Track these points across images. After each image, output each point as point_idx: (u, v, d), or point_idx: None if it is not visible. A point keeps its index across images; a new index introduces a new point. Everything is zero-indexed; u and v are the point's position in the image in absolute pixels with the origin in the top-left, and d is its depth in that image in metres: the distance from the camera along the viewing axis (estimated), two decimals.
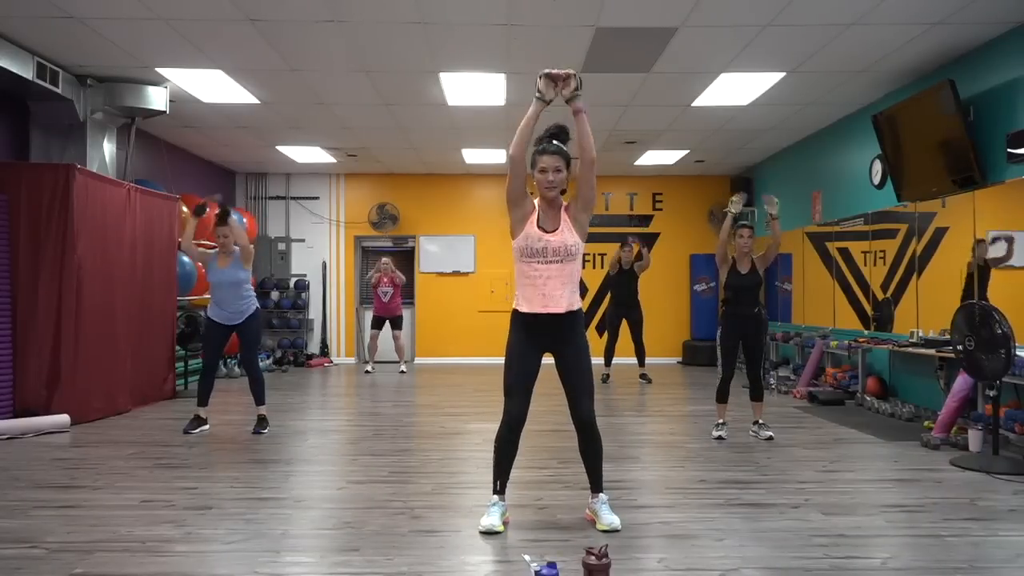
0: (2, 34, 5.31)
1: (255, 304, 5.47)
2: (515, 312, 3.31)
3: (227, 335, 5.45)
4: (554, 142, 3.25)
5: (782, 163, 9.45)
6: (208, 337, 5.49)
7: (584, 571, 2.50)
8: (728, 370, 5.22)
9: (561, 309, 3.20)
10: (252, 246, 5.56)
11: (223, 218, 5.38)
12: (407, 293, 10.76)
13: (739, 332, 5.22)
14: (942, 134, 5.58)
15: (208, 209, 5.57)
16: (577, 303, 3.26)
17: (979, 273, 5.43)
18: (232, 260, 5.38)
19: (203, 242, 5.62)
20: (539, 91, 3.21)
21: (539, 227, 3.22)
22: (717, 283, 10.74)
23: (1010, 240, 5.18)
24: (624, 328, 8.47)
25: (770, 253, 5.25)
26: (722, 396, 5.21)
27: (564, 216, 3.25)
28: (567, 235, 3.22)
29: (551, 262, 3.20)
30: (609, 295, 8.89)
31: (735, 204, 5.29)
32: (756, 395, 5.24)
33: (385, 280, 9.43)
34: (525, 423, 3.25)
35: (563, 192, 3.28)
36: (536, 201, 3.29)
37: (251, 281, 5.55)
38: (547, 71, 3.19)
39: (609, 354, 8.48)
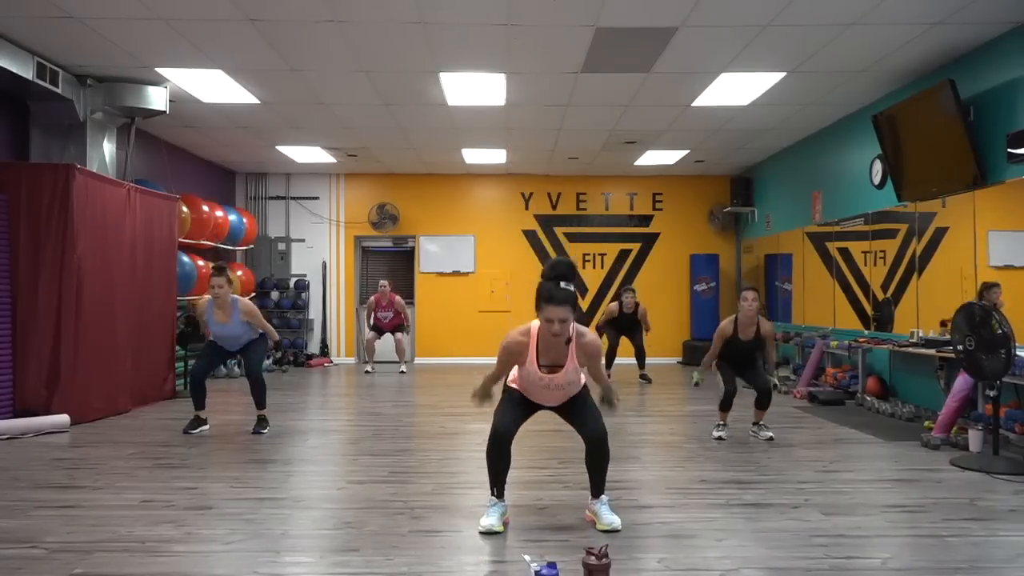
0: (2, 34, 5.31)
1: (257, 332, 5.47)
2: (510, 385, 3.35)
3: (226, 355, 5.52)
4: (561, 285, 3.04)
5: (782, 163, 9.45)
6: (205, 352, 5.51)
7: (584, 571, 2.50)
8: (730, 387, 5.11)
9: (562, 402, 3.29)
10: (268, 325, 5.56)
11: (220, 269, 5.33)
12: (407, 294, 10.77)
13: (738, 368, 5.18)
14: (942, 134, 5.58)
15: (226, 266, 5.47)
16: (580, 386, 3.28)
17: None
18: (231, 317, 5.28)
19: (200, 302, 5.52)
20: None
21: (540, 365, 3.16)
22: (717, 283, 10.75)
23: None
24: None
25: (772, 336, 5.21)
26: (725, 407, 5.16)
27: (571, 355, 3.15)
28: (571, 374, 3.17)
29: (554, 389, 3.23)
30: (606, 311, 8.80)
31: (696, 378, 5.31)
32: (763, 404, 5.15)
33: (384, 304, 9.46)
34: (514, 439, 3.26)
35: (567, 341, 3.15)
36: (534, 330, 3.18)
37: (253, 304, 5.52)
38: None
39: (610, 359, 8.48)
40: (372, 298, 9.60)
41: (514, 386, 3.34)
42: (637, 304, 8.42)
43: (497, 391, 3.40)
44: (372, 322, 9.67)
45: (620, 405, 3.30)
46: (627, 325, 8.46)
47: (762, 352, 5.25)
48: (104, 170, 6.50)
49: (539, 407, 3.37)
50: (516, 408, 3.30)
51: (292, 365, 10.35)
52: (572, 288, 3.05)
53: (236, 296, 5.38)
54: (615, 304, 8.58)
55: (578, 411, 3.30)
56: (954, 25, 5.10)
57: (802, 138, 8.65)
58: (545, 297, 3.03)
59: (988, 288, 5.16)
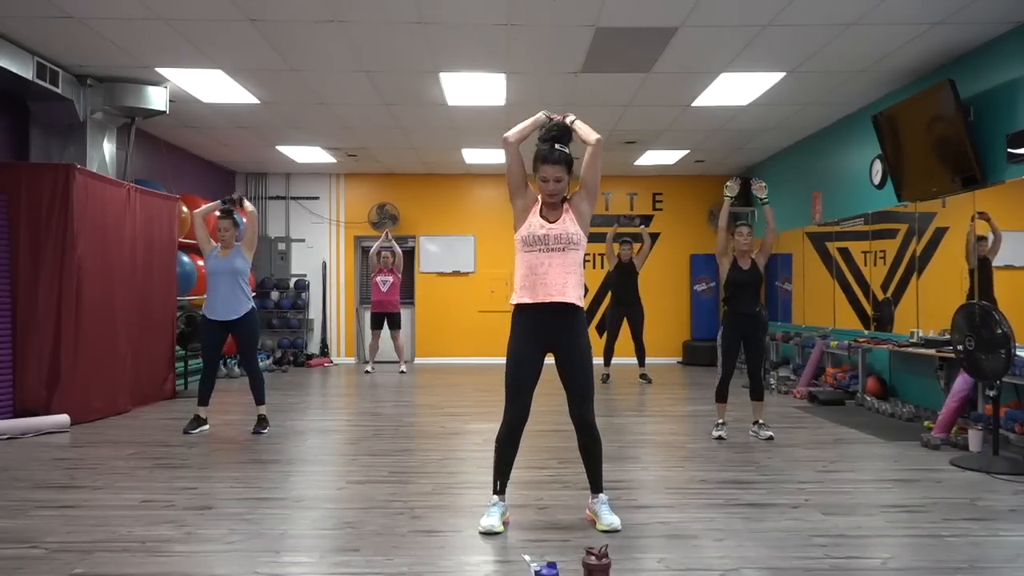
0: (2, 34, 5.31)
1: (251, 304, 5.44)
2: (516, 308, 3.29)
3: (223, 334, 5.38)
4: (556, 147, 3.22)
5: (782, 163, 9.45)
6: (205, 337, 5.49)
7: (584, 571, 2.50)
8: (728, 368, 5.22)
9: (563, 298, 3.18)
10: (256, 239, 5.57)
11: (228, 212, 5.38)
12: (407, 293, 10.77)
13: (740, 332, 5.23)
14: (942, 134, 5.58)
15: (233, 210, 5.52)
16: (580, 299, 3.25)
17: (980, 268, 5.42)
18: (233, 250, 5.39)
19: (205, 233, 5.57)
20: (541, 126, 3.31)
21: (541, 216, 3.25)
22: (717, 283, 10.75)
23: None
24: (624, 328, 8.47)
25: (767, 242, 5.26)
26: (721, 395, 5.21)
27: (567, 208, 3.28)
28: (569, 225, 3.23)
29: (553, 250, 3.20)
30: (609, 294, 8.88)
31: (730, 188, 5.35)
32: (756, 395, 5.24)
33: (385, 271, 9.43)
34: (526, 424, 3.25)
35: (564, 199, 3.30)
36: (539, 195, 3.32)
37: (250, 279, 5.53)
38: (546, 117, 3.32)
39: (609, 354, 8.48)
40: (372, 255, 9.51)
41: (519, 300, 3.24)
42: (632, 257, 8.47)
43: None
44: (371, 309, 9.57)
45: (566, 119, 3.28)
46: (628, 292, 8.43)
47: (761, 340, 5.34)
48: (104, 170, 6.51)
49: (546, 348, 3.24)
50: (525, 360, 3.20)
51: (292, 365, 10.35)
52: (567, 150, 3.19)
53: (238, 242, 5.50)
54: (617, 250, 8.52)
55: (575, 368, 3.23)
56: (954, 25, 5.10)
57: (802, 138, 8.65)
58: (540, 157, 3.18)
59: (980, 240, 5.29)
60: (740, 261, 5.28)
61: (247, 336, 5.44)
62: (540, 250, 3.21)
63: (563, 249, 3.20)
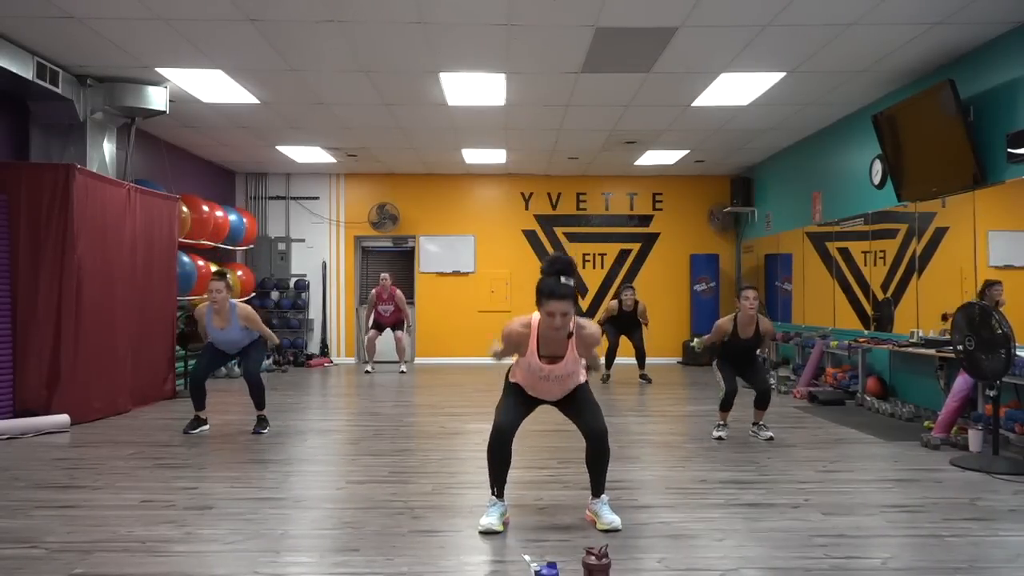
0: (2, 34, 5.31)
1: (256, 335, 5.48)
2: (511, 381, 3.36)
3: (226, 358, 5.54)
4: (562, 280, 3.05)
5: (782, 163, 9.45)
6: (204, 354, 5.51)
7: (584, 571, 2.50)
8: (730, 386, 5.09)
9: (562, 396, 3.30)
10: (268, 331, 5.55)
11: (219, 274, 5.36)
12: (407, 293, 10.77)
13: (736, 360, 5.18)
14: (942, 134, 5.58)
15: (226, 272, 5.52)
16: (581, 379, 3.29)
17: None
18: (229, 322, 5.28)
19: (200, 308, 5.54)
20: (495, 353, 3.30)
21: (540, 356, 3.18)
22: (717, 283, 10.76)
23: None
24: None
25: (772, 334, 5.25)
26: (726, 407, 5.16)
27: (571, 347, 3.18)
28: (571, 365, 3.19)
29: (554, 380, 3.24)
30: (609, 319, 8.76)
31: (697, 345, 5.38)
32: (762, 404, 5.16)
33: (385, 296, 9.45)
34: (515, 434, 3.26)
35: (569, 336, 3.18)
36: (535, 322, 3.19)
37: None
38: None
39: (610, 357, 8.47)
40: (373, 291, 9.57)
41: (515, 381, 3.34)
42: (636, 302, 8.43)
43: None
44: (373, 318, 9.63)
45: (603, 371, 3.31)
46: (627, 324, 8.47)
47: (762, 348, 5.26)
48: (104, 170, 6.50)
49: (540, 402, 3.37)
50: (517, 404, 3.31)
51: (292, 365, 10.35)
52: (572, 283, 3.07)
53: (234, 301, 5.40)
54: (615, 302, 8.59)
55: (579, 406, 3.30)
56: (954, 25, 5.10)
57: (802, 138, 8.65)
58: (546, 293, 3.05)
59: (990, 286, 5.17)
60: (742, 331, 5.04)
61: (252, 355, 5.51)
62: (540, 378, 3.23)
63: (562, 379, 3.24)
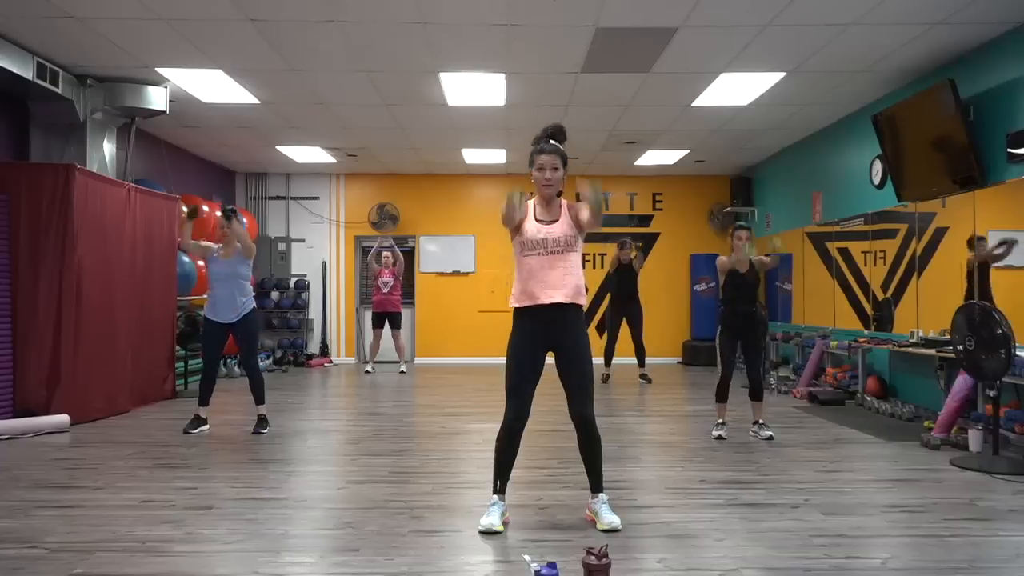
0: (2, 34, 5.31)
1: (252, 304, 5.47)
2: (516, 311, 3.31)
3: (225, 334, 5.44)
4: (551, 142, 3.29)
5: (782, 163, 9.45)
6: (206, 337, 5.50)
7: (584, 571, 2.50)
8: (727, 368, 5.22)
9: (563, 298, 3.20)
10: (254, 245, 5.56)
11: (227, 216, 5.41)
12: (407, 293, 10.77)
13: (737, 332, 5.23)
14: (942, 134, 5.58)
15: (200, 213, 5.59)
16: (581, 298, 3.27)
17: (979, 271, 5.42)
18: (234, 253, 5.42)
19: (203, 243, 5.64)
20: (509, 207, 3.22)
21: (537, 220, 3.28)
22: (717, 283, 10.76)
23: (1012, 243, 5.16)
24: (624, 328, 8.48)
25: (769, 264, 5.39)
26: (722, 395, 5.21)
27: (564, 211, 3.30)
28: (566, 227, 3.26)
29: (552, 252, 3.22)
30: (609, 296, 8.87)
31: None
32: (756, 395, 5.23)
33: (386, 272, 9.44)
34: (526, 424, 3.25)
35: (559, 194, 3.34)
36: (532, 201, 3.34)
37: (251, 280, 5.55)
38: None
39: (609, 354, 8.48)
40: (371, 253, 9.53)
41: (518, 303, 3.26)
42: (632, 258, 8.48)
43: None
44: (372, 309, 9.56)
45: (599, 190, 3.22)
46: (627, 292, 8.45)
47: (762, 339, 5.34)
48: (104, 170, 6.51)
49: (547, 347, 3.25)
50: (525, 362, 3.21)
51: (292, 365, 10.35)
52: (562, 146, 3.29)
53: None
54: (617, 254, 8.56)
55: (574, 367, 3.23)
56: (954, 25, 5.10)
57: (802, 138, 8.65)
58: (536, 150, 3.28)
59: (979, 240, 5.28)
60: (738, 266, 5.30)
61: (247, 336, 5.46)
62: (539, 253, 3.23)
63: (561, 251, 3.22)
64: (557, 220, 3.27)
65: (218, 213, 5.64)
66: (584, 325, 3.35)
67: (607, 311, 8.78)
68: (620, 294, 8.52)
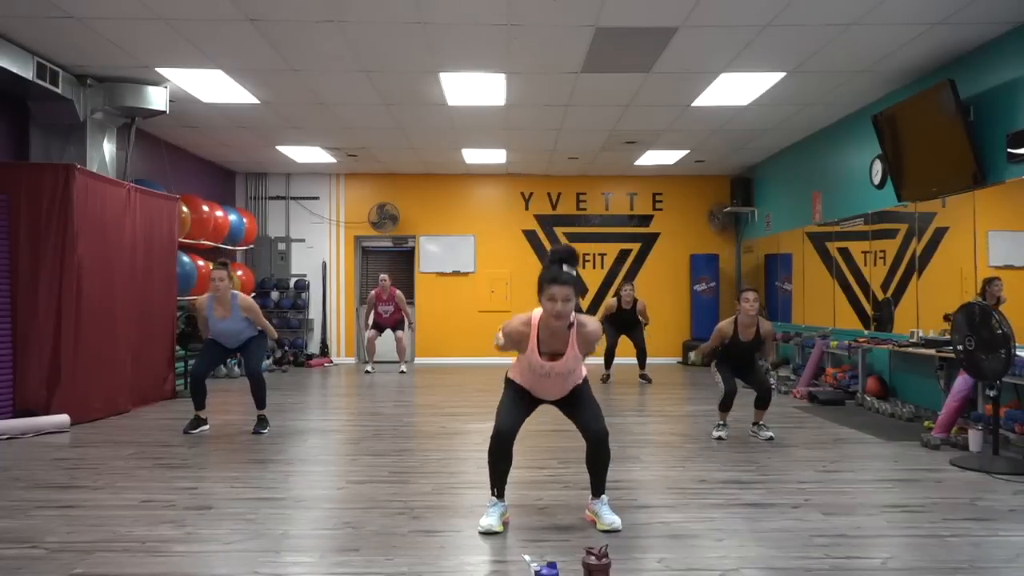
0: (2, 34, 5.31)
1: (256, 329, 5.47)
2: (510, 380, 3.36)
3: (226, 354, 5.53)
4: (564, 268, 3.06)
5: (782, 163, 9.45)
6: (205, 351, 5.50)
7: (584, 571, 2.50)
8: (730, 386, 5.10)
9: (563, 395, 3.29)
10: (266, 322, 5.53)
11: (221, 264, 5.36)
12: (407, 293, 10.77)
13: (735, 362, 5.18)
14: (942, 134, 5.58)
15: (228, 263, 5.52)
16: (581, 377, 3.29)
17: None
18: (230, 312, 5.30)
19: (197, 302, 5.56)
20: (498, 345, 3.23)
21: (540, 353, 3.16)
22: (717, 283, 10.75)
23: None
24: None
25: (771, 336, 5.22)
26: (725, 407, 5.17)
27: (573, 340, 3.15)
28: (571, 362, 3.17)
29: (555, 376, 3.23)
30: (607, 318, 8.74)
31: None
32: (763, 403, 5.16)
33: (384, 297, 9.46)
34: (516, 437, 3.26)
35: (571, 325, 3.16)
36: (535, 319, 3.18)
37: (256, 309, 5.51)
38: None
39: (609, 357, 8.46)
40: (372, 292, 9.59)
41: (515, 380, 3.33)
42: (636, 300, 8.41)
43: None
44: (372, 319, 9.65)
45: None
46: (626, 322, 8.45)
47: (761, 351, 5.25)
48: (104, 170, 6.51)
49: (540, 402, 3.36)
50: (517, 404, 3.30)
51: (292, 365, 10.35)
52: (575, 273, 3.08)
53: (236, 292, 5.40)
54: (614, 300, 8.57)
55: (579, 406, 3.29)
56: (954, 25, 5.10)
57: (802, 138, 8.65)
58: (548, 279, 3.05)
59: (990, 282, 5.18)
60: (742, 333, 5.05)
61: (255, 348, 5.50)
62: (541, 375, 3.22)
63: (563, 375, 3.22)
64: (563, 355, 3.14)
65: (211, 266, 5.54)
66: (590, 390, 3.35)
67: (606, 327, 8.55)
68: (620, 327, 8.49)
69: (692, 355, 5.45)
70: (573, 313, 3.11)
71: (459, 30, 5.27)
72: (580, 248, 10.97)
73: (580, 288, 3.09)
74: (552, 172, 10.80)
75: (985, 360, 4.29)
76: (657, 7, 4.87)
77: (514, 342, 3.22)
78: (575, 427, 3.34)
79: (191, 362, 7.80)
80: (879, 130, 6.46)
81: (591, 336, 3.19)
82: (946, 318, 5.55)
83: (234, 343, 5.46)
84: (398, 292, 9.54)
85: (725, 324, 5.16)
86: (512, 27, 5.22)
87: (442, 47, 5.61)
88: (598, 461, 3.26)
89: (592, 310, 10.77)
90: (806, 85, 6.52)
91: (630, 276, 10.96)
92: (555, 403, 3.36)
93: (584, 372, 3.32)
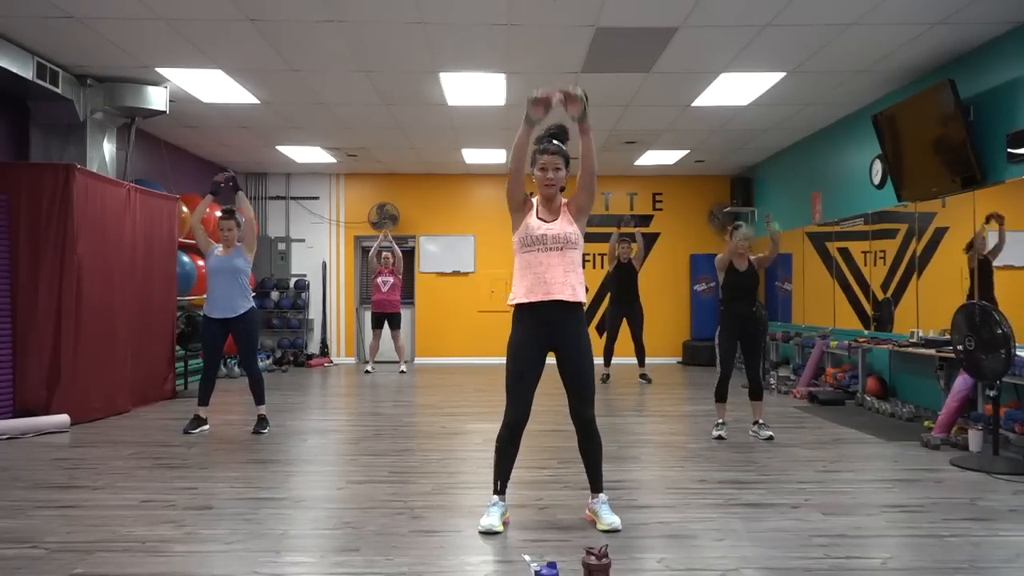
0: (2, 34, 5.31)
1: (251, 304, 5.44)
2: (516, 308, 3.30)
3: (224, 332, 5.39)
4: (554, 142, 3.31)
5: (782, 163, 9.45)
6: (205, 336, 5.48)
7: (584, 571, 2.50)
8: (726, 368, 5.23)
9: (564, 296, 3.19)
10: (255, 240, 5.53)
11: (230, 213, 5.40)
12: (407, 293, 10.77)
13: (737, 331, 5.23)
14: (942, 134, 5.58)
15: (221, 186, 5.54)
16: (581, 295, 3.26)
17: (980, 269, 5.42)
18: (234, 250, 5.40)
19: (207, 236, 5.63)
20: (528, 115, 3.13)
21: (538, 218, 3.29)
22: (717, 283, 10.75)
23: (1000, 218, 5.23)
24: (624, 328, 8.48)
25: (768, 258, 5.37)
26: (721, 395, 5.21)
27: (564, 209, 3.32)
28: (566, 225, 3.27)
29: (551, 249, 3.22)
30: (609, 295, 8.87)
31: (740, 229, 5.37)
32: (756, 395, 5.23)
33: (385, 271, 9.45)
34: (527, 424, 3.25)
35: (562, 190, 3.36)
36: (535, 198, 3.36)
37: (250, 279, 5.52)
38: (533, 95, 3.11)
39: (609, 354, 8.47)
40: (372, 252, 9.54)
41: (520, 301, 3.25)
42: (632, 257, 8.46)
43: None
44: (372, 310, 9.57)
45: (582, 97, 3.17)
46: (627, 291, 8.42)
47: (762, 342, 5.34)
48: (104, 170, 6.51)
49: (547, 348, 3.25)
50: (528, 364, 3.21)
51: (292, 365, 10.35)
52: (565, 147, 3.30)
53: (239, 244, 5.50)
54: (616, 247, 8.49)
55: (575, 368, 3.24)
56: (954, 25, 5.10)
57: (802, 138, 8.65)
58: (540, 149, 3.30)
59: (977, 236, 5.33)
60: (736, 263, 5.30)
61: (246, 335, 5.43)
62: (539, 249, 3.23)
63: (561, 248, 3.22)
64: (557, 218, 3.28)
65: (218, 214, 5.62)
66: (585, 325, 3.35)
67: (607, 311, 8.78)
68: (621, 295, 8.51)
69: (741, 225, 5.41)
70: (563, 183, 3.32)
71: (459, 30, 5.27)
72: None
73: (568, 158, 3.30)
74: None
75: (985, 360, 4.29)
76: (657, 7, 4.87)
77: (519, 200, 3.27)
78: (575, 428, 3.33)
79: (191, 362, 7.82)
80: (879, 130, 6.46)
81: (584, 162, 3.21)
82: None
83: (225, 304, 5.32)
84: (397, 250, 9.49)
85: (721, 257, 5.35)
86: (512, 27, 5.22)
87: (442, 47, 5.61)
88: (589, 448, 3.27)
89: (592, 311, 10.79)
90: (806, 85, 6.52)
91: None
92: (556, 348, 3.26)
93: (584, 293, 3.29)
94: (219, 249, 5.44)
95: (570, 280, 3.22)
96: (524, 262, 3.28)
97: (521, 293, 3.27)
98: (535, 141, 3.35)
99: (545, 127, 3.36)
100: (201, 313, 5.56)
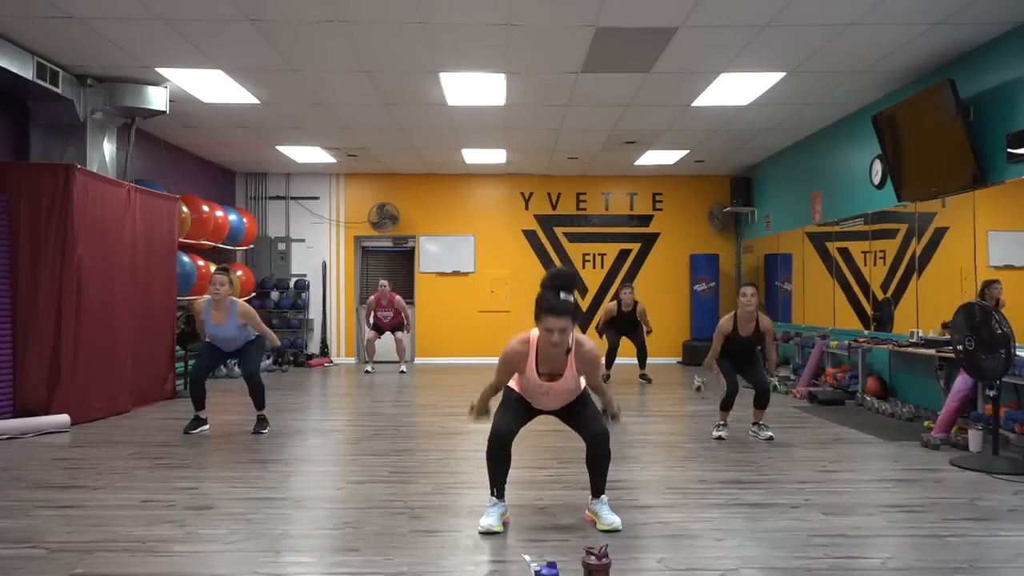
0: (2, 34, 5.31)
1: (254, 334, 5.46)
2: (510, 388, 3.36)
3: (224, 356, 5.52)
4: (562, 296, 3.02)
5: (782, 163, 9.45)
6: (203, 353, 5.50)
7: (584, 571, 2.50)
8: (732, 386, 5.14)
9: (563, 405, 3.29)
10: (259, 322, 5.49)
11: (223, 269, 5.36)
12: (407, 293, 10.78)
13: (737, 358, 5.20)
14: (942, 134, 5.58)
15: (229, 267, 5.51)
16: (580, 389, 3.28)
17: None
18: (227, 318, 5.28)
19: (196, 303, 5.56)
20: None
21: (539, 373, 3.16)
22: (717, 283, 10.75)
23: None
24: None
25: (770, 333, 5.21)
26: (727, 406, 5.18)
27: (571, 363, 3.15)
28: (571, 382, 3.18)
29: (554, 395, 3.24)
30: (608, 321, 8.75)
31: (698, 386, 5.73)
32: (762, 403, 5.16)
33: (384, 303, 9.48)
34: (514, 440, 3.26)
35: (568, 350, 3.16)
36: (533, 339, 3.17)
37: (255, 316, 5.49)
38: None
39: (610, 359, 8.46)
40: (372, 297, 9.63)
41: (514, 388, 3.34)
42: (636, 302, 8.42)
43: (494, 404, 3.41)
44: (372, 322, 9.69)
45: (622, 417, 3.33)
46: (626, 324, 8.46)
47: (762, 349, 5.27)
48: (104, 170, 6.50)
49: (539, 412, 3.37)
50: (516, 410, 3.30)
51: (292, 365, 10.35)
52: (572, 299, 3.04)
53: (235, 298, 5.38)
54: (613, 303, 8.59)
55: (578, 413, 3.30)
56: (954, 25, 5.10)
57: (802, 138, 8.65)
58: (545, 308, 3.01)
59: (989, 284, 5.18)
60: (742, 328, 5.07)
61: (251, 354, 5.49)
62: (540, 394, 3.24)
63: (561, 395, 3.24)
64: (562, 375, 3.15)
65: (212, 268, 5.54)
66: (589, 397, 3.34)
67: (607, 331, 8.57)
68: (621, 329, 8.49)
69: (697, 379, 5.60)
70: (572, 336, 3.10)
71: (459, 30, 5.27)
72: (580, 248, 11.00)
73: (578, 316, 3.08)
74: (552, 172, 10.81)
75: (985, 360, 4.29)
76: (657, 7, 4.87)
77: (513, 366, 3.21)
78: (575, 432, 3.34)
79: (191, 362, 7.80)
80: (879, 130, 6.46)
81: (588, 355, 3.18)
82: (945, 326, 5.54)
83: (231, 347, 5.45)
84: (397, 297, 9.56)
85: (725, 320, 5.17)
86: (512, 27, 5.22)
87: (442, 47, 5.61)
88: (598, 462, 3.25)
89: (592, 311, 10.78)
90: (806, 85, 6.52)
91: (630, 276, 10.97)
92: (554, 413, 3.37)
93: (584, 385, 3.30)
94: (211, 313, 5.26)
95: (570, 396, 3.27)
96: (526, 385, 3.25)
97: (520, 392, 3.31)
98: (543, 284, 3.09)
99: (551, 275, 3.11)
100: (203, 338, 5.48)
